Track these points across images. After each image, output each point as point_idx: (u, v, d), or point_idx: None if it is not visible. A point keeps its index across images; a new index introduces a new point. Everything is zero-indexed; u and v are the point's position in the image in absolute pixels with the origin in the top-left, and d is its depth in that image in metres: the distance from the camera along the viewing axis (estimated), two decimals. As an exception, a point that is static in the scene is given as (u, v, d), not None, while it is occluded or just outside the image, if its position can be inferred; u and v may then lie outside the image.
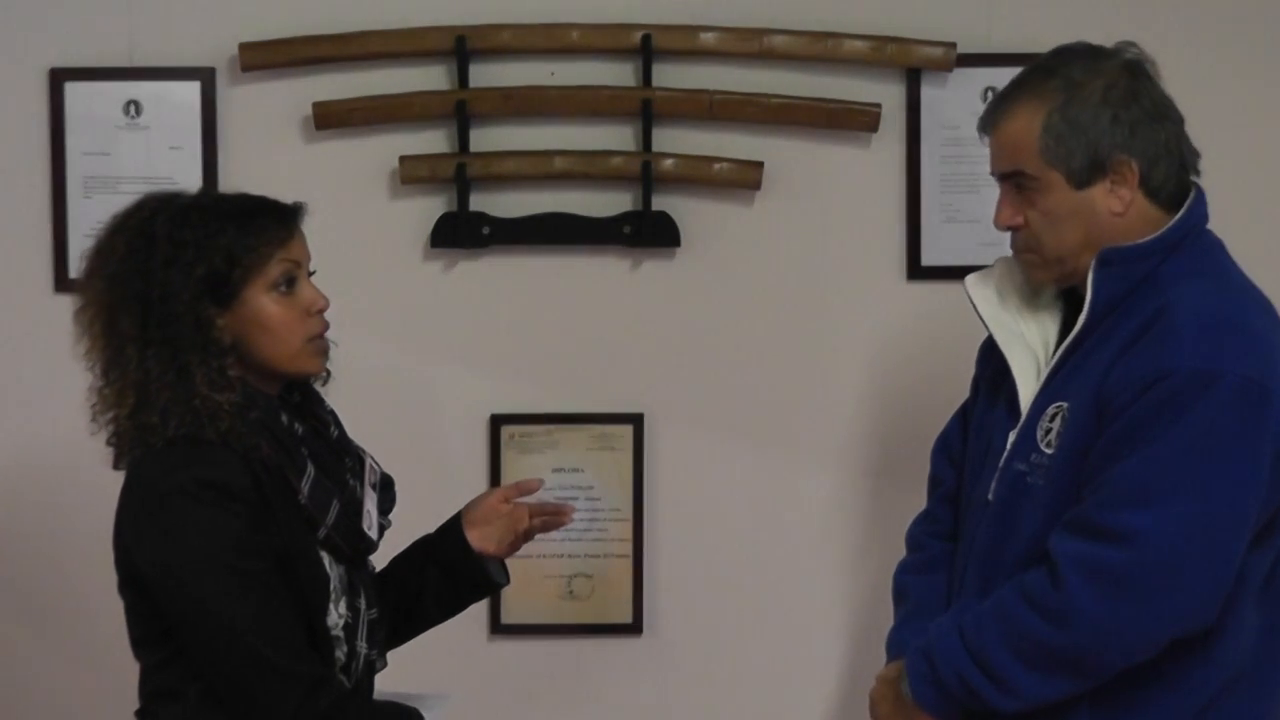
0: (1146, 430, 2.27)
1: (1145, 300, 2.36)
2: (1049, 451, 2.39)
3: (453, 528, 2.64)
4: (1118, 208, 2.40)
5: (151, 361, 2.30)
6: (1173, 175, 2.41)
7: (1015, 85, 2.46)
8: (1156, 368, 2.28)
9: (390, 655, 2.59)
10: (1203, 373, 2.26)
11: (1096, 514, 2.29)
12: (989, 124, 2.47)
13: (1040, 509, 2.38)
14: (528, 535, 2.67)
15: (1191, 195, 2.43)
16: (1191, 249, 2.40)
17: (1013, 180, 2.44)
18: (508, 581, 2.70)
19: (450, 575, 2.62)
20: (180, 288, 2.30)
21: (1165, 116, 2.42)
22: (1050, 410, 2.41)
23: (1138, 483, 2.27)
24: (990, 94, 3.36)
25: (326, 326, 2.42)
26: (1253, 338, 2.31)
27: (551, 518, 2.68)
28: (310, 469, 2.37)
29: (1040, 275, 2.48)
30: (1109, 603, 2.26)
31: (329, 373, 2.52)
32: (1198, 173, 2.46)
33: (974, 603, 2.42)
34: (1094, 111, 2.38)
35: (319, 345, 2.42)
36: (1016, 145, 2.42)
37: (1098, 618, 2.26)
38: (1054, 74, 2.42)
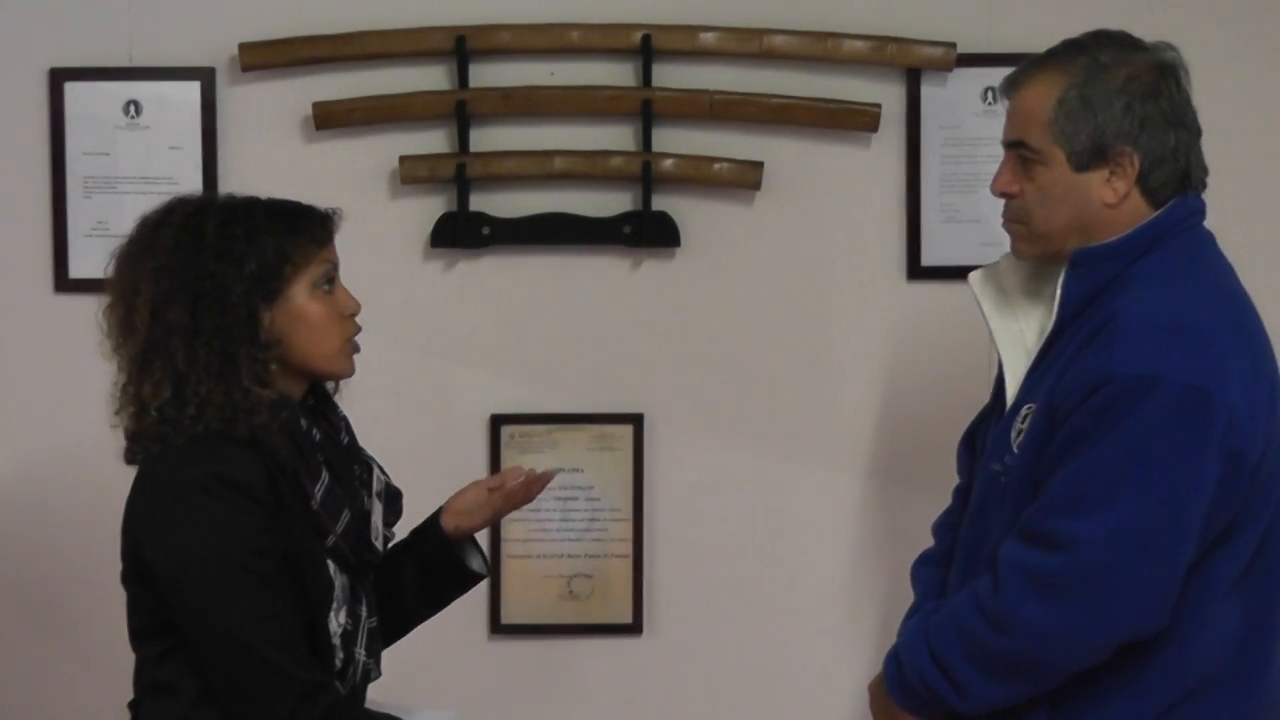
0: (1087, 437, 2.27)
1: (1107, 302, 2.35)
2: (1017, 453, 2.40)
3: (430, 523, 2.64)
4: (1110, 199, 2.39)
5: (201, 350, 2.31)
6: (1173, 182, 2.40)
7: (1045, 55, 2.47)
8: (1099, 373, 2.28)
9: (391, 654, 2.59)
10: (1142, 378, 2.25)
11: (1036, 521, 2.30)
12: (1010, 88, 2.48)
13: (1007, 510, 2.39)
14: (511, 506, 2.67)
15: (1175, 198, 2.41)
16: (1168, 249, 2.38)
17: (1016, 150, 2.44)
18: (487, 573, 2.70)
19: (428, 568, 2.62)
20: (233, 280, 2.32)
21: (1180, 123, 2.40)
22: (1022, 411, 2.41)
23: (1076, 489, 2.27)
24: (990, 94, 3.38)
25: (359, 330, 2.45)
26: (1201, 342, 2.29)
27: (534, 485, 2.66)
28: (325, 476, 2.38)
29: (1023, 248, 2.48)
30: (1046, 609, 2.26)
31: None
32: (1203, 186, 2.45)
33: (944, 604, 2.43)
34: (1109, 97, 2.37)
35: (353, 347, 2.45)
36: (1028, 115, 2.42)
37: (1036, 623, 2.27)
38: (1084, 52, 2.42)
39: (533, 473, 2.66)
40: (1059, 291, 2.40)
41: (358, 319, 2.46)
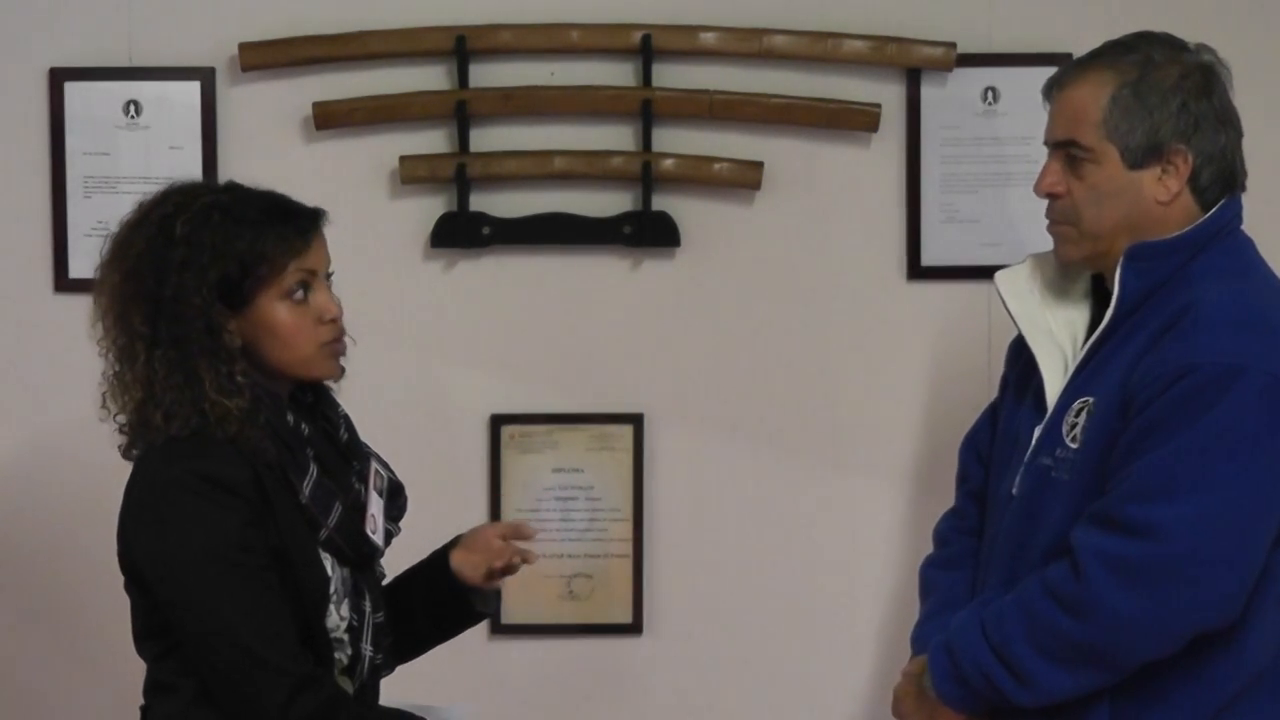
0: (1170, 425, 2.28)
1: (1172, 296, 2.37)
2: (1074, 446, 2.39)
3: (442, 555, 2.63)
4: (1163, 197, 2.40)
5: (159, 362, 2.30)
6: (1219, 181, 2.42)
7: (1091, 55, 2.46)
8: (1181, 363, 2.29)
9: (392, 653, 2.59)
10: (1228, 368, 2.27)
11: (1118, 507, 2.29)
12: (1056, 87, 2.47)
13: (1065, 503, 2.39)
14: (504, 572, 2.64)
15: (1223, 198, 2.43)
16: (1220, 247, 2.41)
17: (1064, 149, 2.44)
18: (492, 611, 2.70)
19: (435, 600, 2.61)
20: (193, 291, 2.30)
21: (1228, 124, 2.43)
22: (1076, 405, 2.41)
23: (1160, 477, 2.27)
24: (990, 94, 3.38)
25: (341, 333, 2.42)
26: (1279, 335, 2.32)
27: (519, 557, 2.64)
28: (313, 470, 2.37)
29: (1070, 250, 2.48)
30: (1129, 595, 2.26)
31: (342, 369, 2.52)
32: (1243, 188, 2.46)
33: (996, 596, 2.42)
34: (1164, 95, 2.38)
35: (333, 349, 2.42)
36: (1079, 113, 2.41)
37: (1118, 610, 2.26)
38: (1134, 50, 2.42)
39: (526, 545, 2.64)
40: (1116, 286, 2.40)
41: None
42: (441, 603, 2.62)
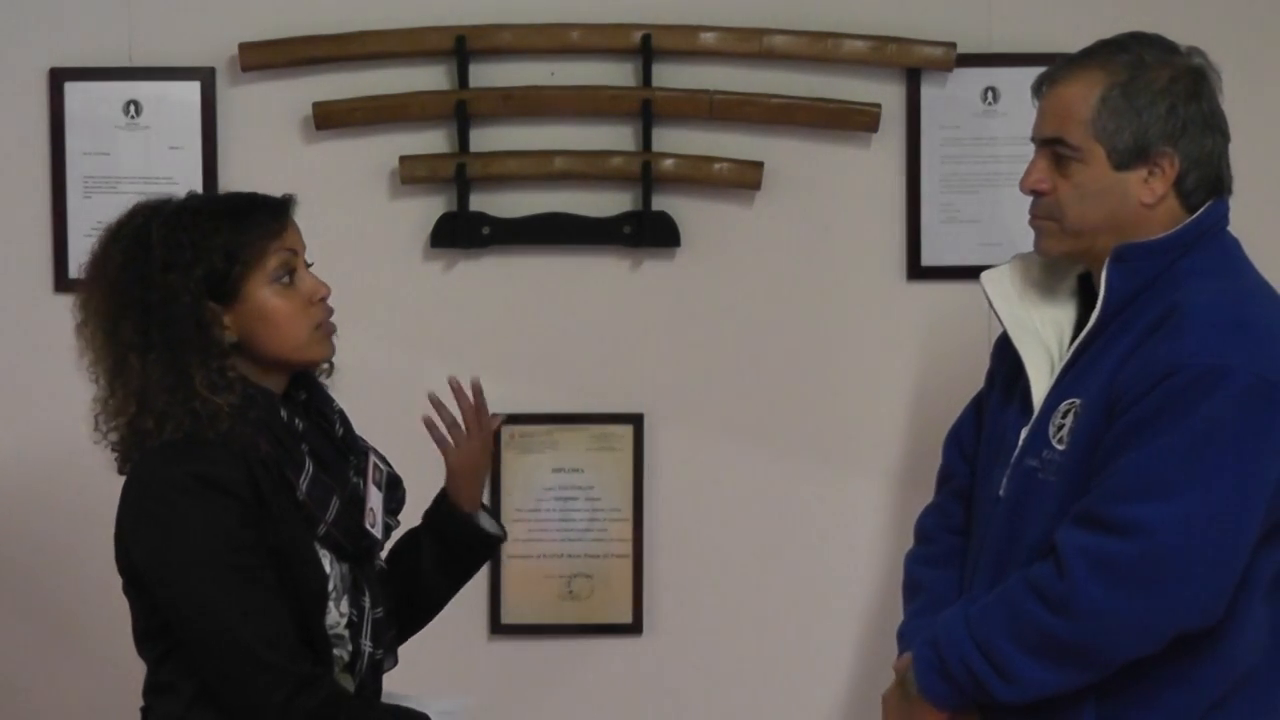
0: (1155, 424, 2.28)
1: (1159, 297, 2.37)
2: (1061, 448, 2.39)
3: (438, 497, 2.64)
4: (1148, 199, 2.40)
5: (153, 366, 2.31)
6: (1205, 185, 2.42)
7: (1083, 53, 2.46)
8: (1167, 363, 2.29)
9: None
10: (1213, 368, 2.27)
11: (1102, 506, 2.29)
12: (1046, 84, 2.47)
13: (1052, 505, 2.39)
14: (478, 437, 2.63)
15: (1209, 201, 2.43)
16: (1207, 248, 2.41)
17: (1051, 147, 2.44)
18: (504, 535, 2.69)
19: (443, 540, 2.62)
20: (180, 290, 2.32)
21: (1216, 128, 2.43)
22: (1063, 407, 2.41)
23: (1144, 476, 2.27)
24: (990, 94, 3.38)
25: (330, 313, 2.44)
26: (1265, 336, 2.32)
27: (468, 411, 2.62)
28: (309, 465, 2.38)
29: (1052, 245, 2.48)
30: (1113, 594, 2.26)
31: (331, 365, 2.53)
32: (1229, 192, 2.46)
33: (982, 593, 2.42)
34: (1153, 97, 2.38)
35: (325, 331, 2.43)
36: (1067, 111, 2.41)
37: (1102, 608, 2.27)
38: (1126, 50, 2.42)
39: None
40: (1103, 287, 2.40)
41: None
42: (451, 545, 2.61)
